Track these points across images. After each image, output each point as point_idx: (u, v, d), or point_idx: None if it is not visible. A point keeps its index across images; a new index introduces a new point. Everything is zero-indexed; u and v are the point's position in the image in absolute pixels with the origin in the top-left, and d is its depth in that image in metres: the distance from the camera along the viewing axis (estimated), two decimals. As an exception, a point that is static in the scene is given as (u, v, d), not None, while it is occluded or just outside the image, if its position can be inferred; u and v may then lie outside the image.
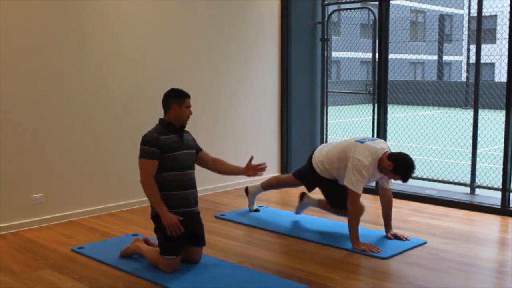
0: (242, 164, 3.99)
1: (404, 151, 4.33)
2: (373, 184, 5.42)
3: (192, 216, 3.74)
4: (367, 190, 5.35)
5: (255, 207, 5.24)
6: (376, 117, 6.15)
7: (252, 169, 3.94)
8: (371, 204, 5.36)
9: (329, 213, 4.75)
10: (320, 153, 4.53)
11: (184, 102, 3.70)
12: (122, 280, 3.61)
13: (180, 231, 3.57)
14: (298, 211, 5.03)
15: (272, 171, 6.51)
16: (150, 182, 3.59)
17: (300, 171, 4.83)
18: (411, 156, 4.21)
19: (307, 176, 4.66)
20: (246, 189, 5.23)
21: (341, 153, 4.28)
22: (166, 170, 3.62)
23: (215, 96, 6.02)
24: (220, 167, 3.97)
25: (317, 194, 4.76)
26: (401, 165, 4.07)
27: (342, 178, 4.32)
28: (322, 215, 5.14)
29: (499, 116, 7.05)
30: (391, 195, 4.43)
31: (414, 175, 6.30)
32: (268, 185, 5.09)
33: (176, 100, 3.70)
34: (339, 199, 4.42)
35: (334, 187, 4.48)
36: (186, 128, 3.82)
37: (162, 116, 3.76)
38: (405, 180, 4.13)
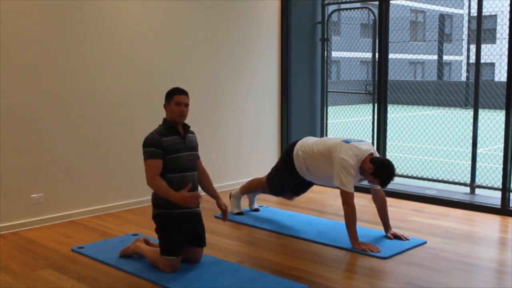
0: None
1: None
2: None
3: (194, 217, 3.74)
4: (366, 190, 5.34)
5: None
6: (376, 117, 6.16)
7: (223, 212, 3.88)
8: (370, 204, 5.35)
9: (252, 189, 5.04)
10: (306, 142, 4.60)
11: (172, 100, 3.66)
12: (122, 280, 3.61)
13: (197, 199, 3.52)
14: (252, 206, 5.21)
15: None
16: (155, 178, 3.55)
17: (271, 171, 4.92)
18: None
19: (278, 168, 4.79)
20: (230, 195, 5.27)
21: (326, 150, 4.35)
22: (168, 171, 3.61)
23: (216, 96, 6.02)
24: (203, 182, 3.91)
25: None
26: (381, 170, 4.15)
27: (316, 173, 4.45)
28: (322, 215, 5.15)
29: (499, 116, 7.05)
30: (383, 194, 4.46)
31: (414, 175, 6.39)
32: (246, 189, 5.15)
33: (166, 98, 3.70)
34: (279, 182, 4.77)
35: (286, 174, 4.69)
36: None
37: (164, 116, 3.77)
38: (383, 185, 4.24)
